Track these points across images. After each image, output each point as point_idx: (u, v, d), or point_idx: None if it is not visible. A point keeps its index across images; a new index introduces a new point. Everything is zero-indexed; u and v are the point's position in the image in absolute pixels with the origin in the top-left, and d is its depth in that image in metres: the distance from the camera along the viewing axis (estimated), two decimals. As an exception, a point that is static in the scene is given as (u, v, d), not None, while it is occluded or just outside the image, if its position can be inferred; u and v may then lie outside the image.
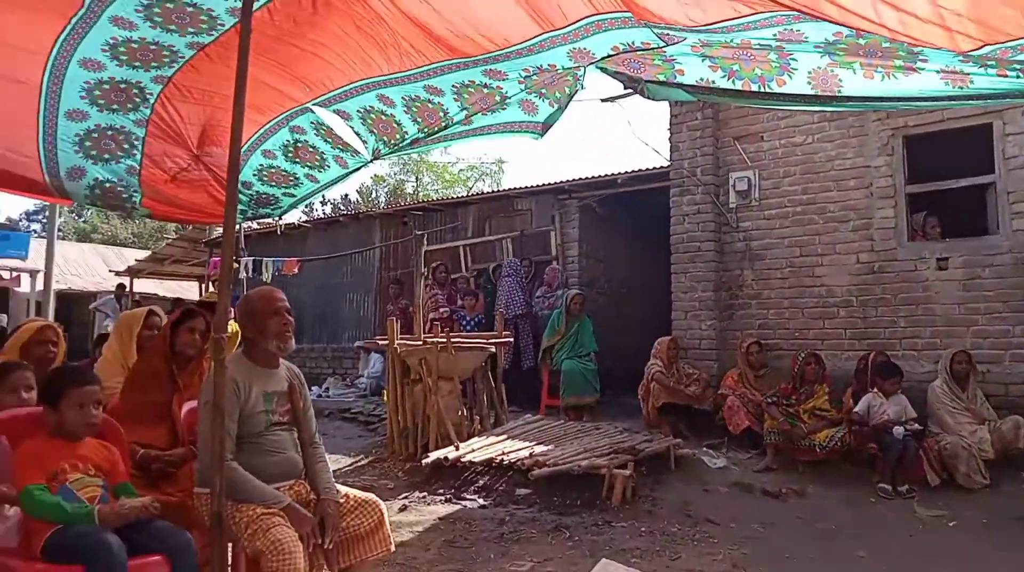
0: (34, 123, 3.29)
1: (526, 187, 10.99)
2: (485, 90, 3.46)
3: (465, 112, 3.55)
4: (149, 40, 2.95)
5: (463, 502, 5.13)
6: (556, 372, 8.33)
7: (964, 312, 6.51)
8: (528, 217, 10.75)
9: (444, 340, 6.78)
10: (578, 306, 8.49)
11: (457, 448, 5.87)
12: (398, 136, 3.69)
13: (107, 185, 3.77)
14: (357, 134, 3.71)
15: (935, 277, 6.67)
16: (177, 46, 3.02)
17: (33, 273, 16.09)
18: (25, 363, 3.31)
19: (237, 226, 3.19)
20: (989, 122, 6.50)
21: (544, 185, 10.60)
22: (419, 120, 3.60)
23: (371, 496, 2.96)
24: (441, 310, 9.17)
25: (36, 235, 18.43)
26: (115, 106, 3.31)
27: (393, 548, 2.91)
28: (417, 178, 33.35)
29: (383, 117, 3.58)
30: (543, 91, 3.61)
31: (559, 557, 4.00)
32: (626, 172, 9.81)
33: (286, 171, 3.95)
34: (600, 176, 10.04)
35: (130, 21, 2.82)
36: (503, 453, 5.61)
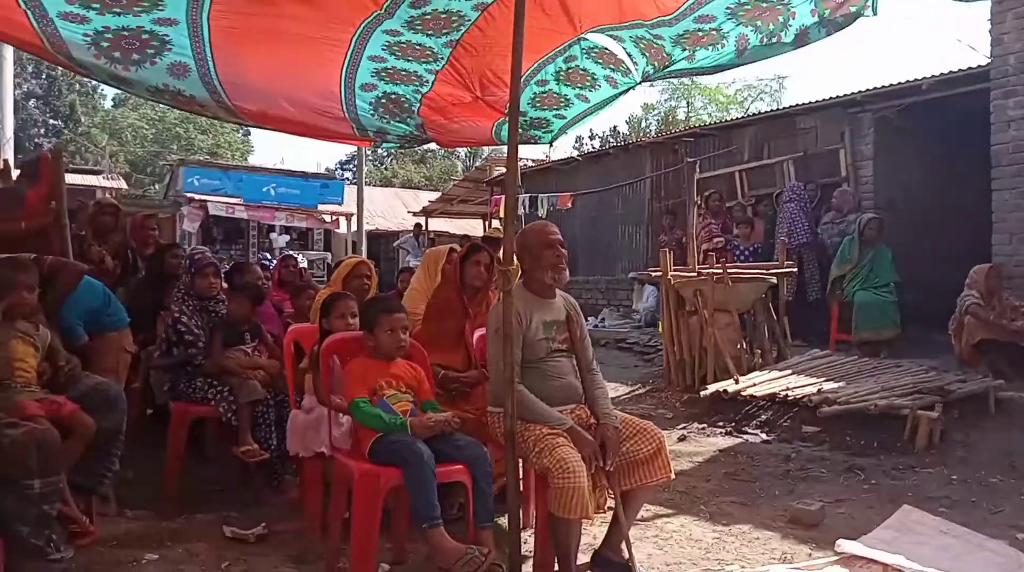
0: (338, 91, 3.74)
1: (810, 103, 10.03)
2: (764, 4, 3.19)
3: (741, 28, 3.30)
4: (441, 10, 3.18)
5: (744, 436, 5.01)
6: (848, 305, 7.65)
7: None
8: (812, 136, 9.85)
9: (719, 271, 6.56)
10: (874, 232, 7.66)
11: (737, 381, 5.71)
12: (668, 62, 3.57)
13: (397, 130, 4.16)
14: (629, 55, 3.65)
15: None
16: (464, 10, 3.21)
17: (348, 216, 18.43)
18: (349, 294, 3.82)
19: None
20: None
21: (832, 99, 9.59)
22: (688, 49, 3.44)
23: (649, 423, 2.99)
24: (715, 240, 8.85)
25: (348, 182, 20.98)
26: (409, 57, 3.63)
27: (673, 475, 2.93)
28: (688, 103, 32.17)
29: (654, 44, 3.48)
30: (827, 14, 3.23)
31: (852, 499, 3.75)
32: (932, 76, 8.51)
33: (557, 94, 4.02)
34: (899, 83, 8.82)
35: None
36: (788, 388, 5.34)
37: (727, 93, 30.23)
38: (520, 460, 2.90)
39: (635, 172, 12.45)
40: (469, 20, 3.29)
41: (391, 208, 21.97)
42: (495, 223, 11.87)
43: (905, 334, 7.68)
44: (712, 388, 5.69)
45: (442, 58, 3.62)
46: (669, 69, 3.69)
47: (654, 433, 2.92)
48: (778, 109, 11.13)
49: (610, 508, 2.92)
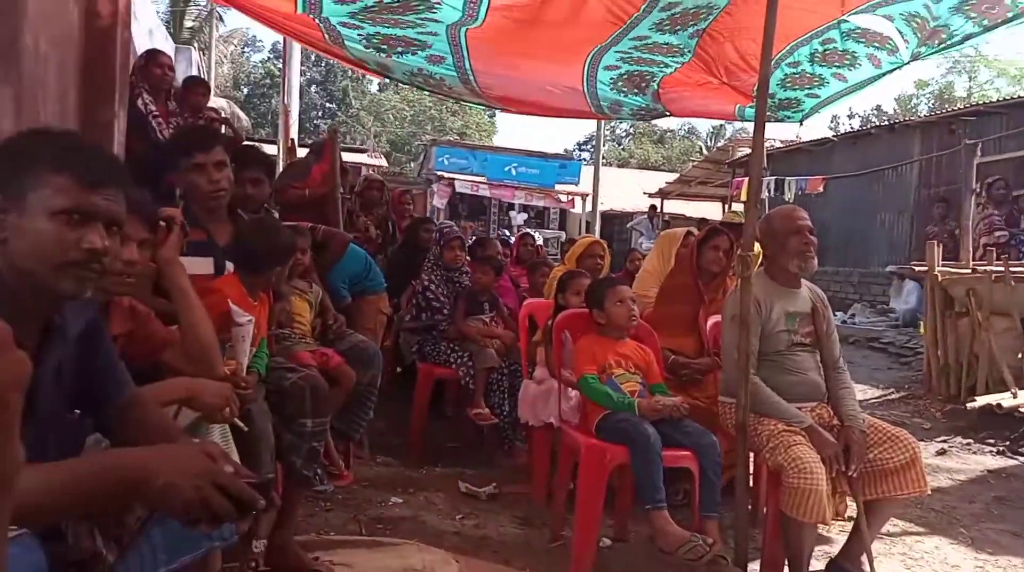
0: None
1: None
2: None
3: None
4: (690, 7, 3.16)
5: (1020, 458, 4.36)
6: None
7: None
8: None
9: (1000, 269, 5.73)
10: None
11: (1015, 395, 4.99)
12: (944, 36, 3.18)
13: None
14: (900, 32, 3.30)
15: None
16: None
17: (583, 196, 18.70)
18: (584, 272, 3.89)
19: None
20: None
21: None
22: (971, 17, 3.04)
23: (902, 431, 2.72)
24: (997, 234, 7.72)
25: (585, 163, 21.27)
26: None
27: (928, 491, 2.65)
28: (971, 77, 28.32)
29: (928, 22, 3.11)
30: None
31: None
32: None
33: (810, 74, 3.75)
34: None
35: None
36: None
37: (1021, 65, 26.12)
38: (751, 454, 2.78)
39: (900, 155, 11.26)
40: (718, 8, 3.22)
41: (626, 189, 21.93)
42: (735, 206, 11.40)
43: None
44: (983, 400, 5.02)
45: (688, 51, 3.62)
46: (944, 46, 3.30)
47: (908, 442, 2.65)
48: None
49: (850, 517, 2.71)
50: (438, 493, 3.38)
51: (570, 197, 19.38)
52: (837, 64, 3.64)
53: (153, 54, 4.65)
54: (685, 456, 2.74)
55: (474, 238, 6.49)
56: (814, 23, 3.32)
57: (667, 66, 3.80)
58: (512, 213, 19.45)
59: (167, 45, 8.41)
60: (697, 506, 2.70)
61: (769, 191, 11.02)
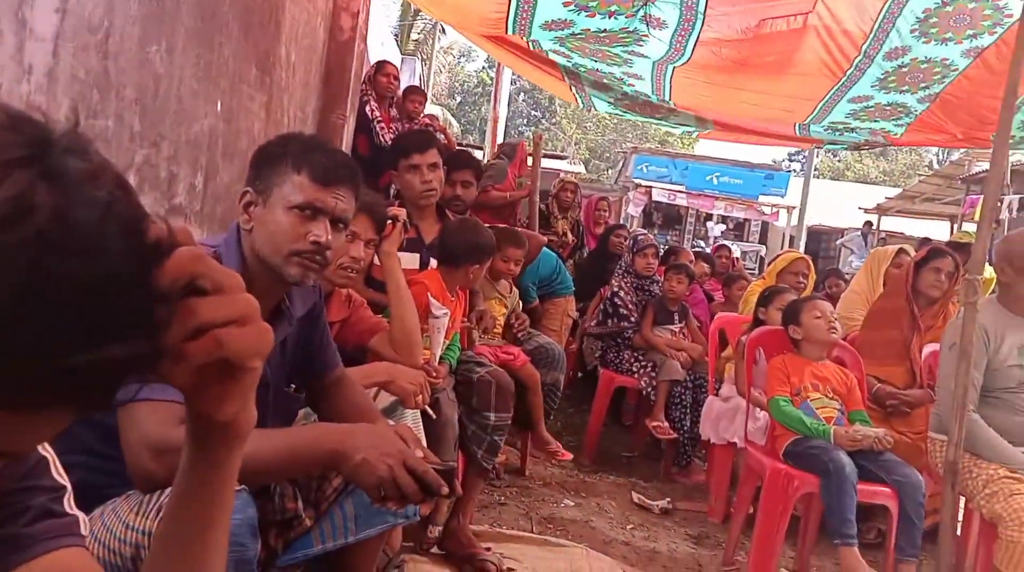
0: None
1: None
2: None
3: None
4: (921, 59, 3.01)
5: None
6: None
7: None
8: None
9: None
10: None
11: None
12: None
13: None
14: None
15: None
16: (951, 57, 2.95)
17: (789, 209, 17.72)
18: (789, 288, 3.71)
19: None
20: None
21: None
22: None
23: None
24: None
25: (795, 174, 20.16)
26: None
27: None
28: None
29: None
30: None
31: None
32: None
33: None
34: None
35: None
36: None
37: None
38: (963, 499, 2.52)
39: None
40: (956, 70, 2.99)
41: (838, 203, 20.50)
42: (965, 227, 10.25)
43: None
44: None
45: (915, 112, 3.48)
46: None
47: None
48: None
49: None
50: (610, 501, 3.38)
51: (774, 209, 18.46)
52: None
53: (382, 64, 5.09)
54: (884, 492, 2.54)
55: (667, 247, 6.40)
56: None
57: (890, 131, 3.69)
58: (709, 224, 18.90)
59: (395, 56, 9.10)
60: (893, 548, 2.49)
61: (1011, 211, 9.80)
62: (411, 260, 2.69)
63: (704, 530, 3.19)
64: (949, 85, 3.24)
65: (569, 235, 5.45)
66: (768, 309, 3.39)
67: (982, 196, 2.74)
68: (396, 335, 2.11)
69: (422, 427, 2.03)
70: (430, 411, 2.06)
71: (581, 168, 22.59)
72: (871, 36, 3.00)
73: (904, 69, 3.16)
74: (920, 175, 20.72)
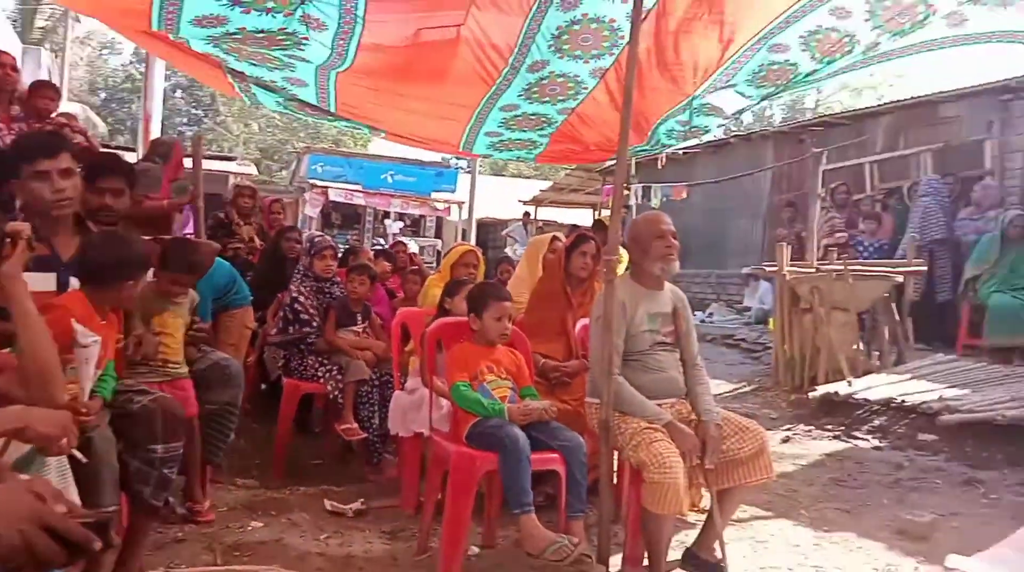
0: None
1: (955, 90, 9.30)
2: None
3: (878, 33, 3.23)
4: (558, 73, 3.41)
5: (853, 441, 4.78)
6: (980, 307, 7.12)
7: None
8: (956, 126, 9.17)
9: (840, 267, 6.26)
10: (1018, 230, 7.08)
11: (850, 384, 5.45)
12: (790, 78, 3.62)
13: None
14: (742, 94, 3.82)
15: None
16: (581, 75, 3.41)
17: (459, 204, 18.75)
18: (467, 279, 3.91)
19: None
20: None
21: (981, 85, 8.87)
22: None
23: (752, 422, 2.91)
24: (838, 235, 8.43)
25: (462, 171, 21.35)
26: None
27: (774, 476, 2.85)
28: (818, 90, 30.63)
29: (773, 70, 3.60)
30: None
31: (969, 513, 3.51)
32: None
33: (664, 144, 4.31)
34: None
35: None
36: (904, 393, 5.05)
37: (860, 79, 28.55)
38: (615, 452, 2.89)
39: (756, 163, 12.02)
40: (587, 88, 3.54)
41: (502, 197, 22.21)
42: (604, 213, 11.78)
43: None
44: (822, 389, 5.46)
45: (555, 123, 3.96)
46: (789, 86, 3.72)
47: (757, 432, 2.84)
48: (917, 96, 10.39)
49: (705, 506, 2.87)
50: (302, 513, 3.29)
51: (447, 205, 19.38)
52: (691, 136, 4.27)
53: (-9, 54, 4.32)
54: (553, 458, 2.80)
55: (347, 247, 6.39)
56: (674, 102, 3.80)
57: (536, 144, 4.11)
58: (388, 222, 19.23)
59: (12, 44, 7.78)
60: (563, 507, 2.78)
61: (637, 198, 11.47)
62: (45, 281, 2.33)
63: (398, 524, 3.24)
64: (582, 103, 3.66)
65: (256, 240, 5.18)
66: (454, 300, 3.55)
67: (614, 186, 3.17)
68: (27, 371, 1.82)
69: (70, 475, 1.78)
70: (79, 455, 1.80)
71: (252, 169, 21.43)
72: (516, 49, 3.28)
73: (545, 81, 3.50)
74: (565, 169, 23.25)
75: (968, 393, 5.00)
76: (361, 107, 3.94)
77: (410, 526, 3.19)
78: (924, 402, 4.82)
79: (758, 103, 4.01)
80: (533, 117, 3.86)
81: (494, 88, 3.55)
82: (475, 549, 2.99)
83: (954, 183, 8.42)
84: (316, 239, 4.57)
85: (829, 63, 3.45)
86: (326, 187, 18.07)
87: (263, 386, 4.68)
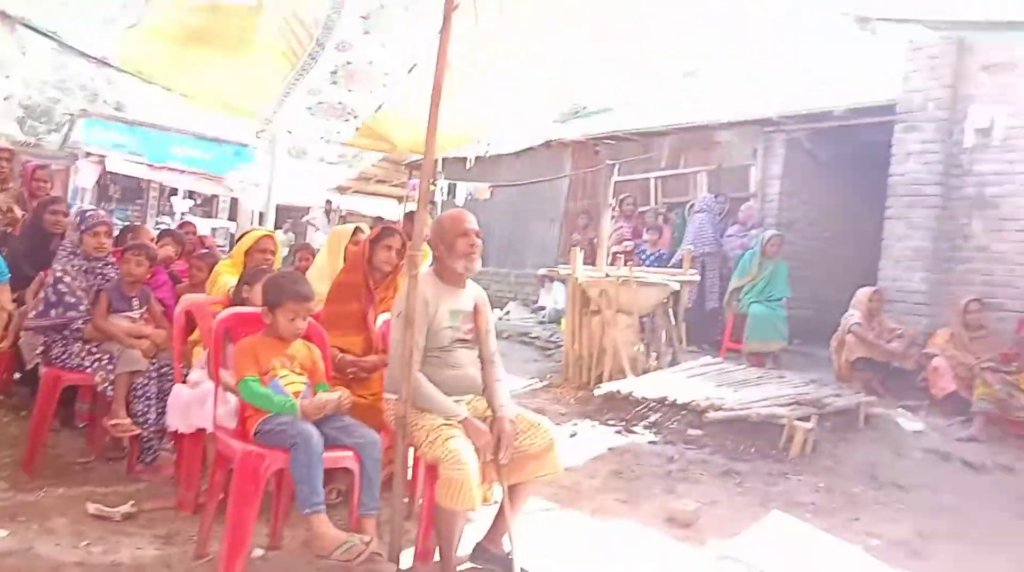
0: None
1: (728, 120, 10.32)
2: None
3: None
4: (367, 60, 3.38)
5: (632, 435, 5.15)
6: (742, 315, 7.99)
7: None
8: (727, 150, 10.19)
9: (626, 273, 6.72)
10: (775, 248, 8.02)
11: (630, 382, 5.87)
12: None
13: None
14: None
15: None
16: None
17: (257, 186, 17.78)
18: (266, 269, 3.69)
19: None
20: None
21: (748, 118, 9.91)
22: None
23: (543, 419, 3.02)
24: (624, 243, 9.06)
25: (261, 151, 20.29)
26: None
27: (561, 471, 2.98)
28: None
29: None
30: None
31: (726, 501, 3.92)
32: (845, 105, 8.90)
33: None
34: (814, 108, 9.19)
35: None
36: (677, 392, 5.53)
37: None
38: (411, 449, 2.88)
39: (556, 169, 12.56)
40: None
41: (303, 182, 21.39)
42: (410, 206, 11.74)
43: (791, 346, 8.10)
44: (606, 387, 5.83)
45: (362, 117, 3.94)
46: None
47: (547, 428, 2.95)
48: (696, 122, 11.42)
49: (496, 501, 2.95)
50: (60, 518, 2.95)
51: (243, 186, 18.29)
52: None
53: None
54: (347, 456, 2.74)
55: (124, 224, 5.80)
56: None
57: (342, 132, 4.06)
58: (175, 199, 17.77)
59: None
60: (356, 505, 2.72)
61: (443, 194, 11.54)
62: None
63: (174, 527, 3.01)
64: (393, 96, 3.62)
65: (16, 210, 4.53)
66: (253, 289, 3.33)
67: (420, 182, 3.15)
68: None
69: None
70: None
71: (13, 130, 18.87)
72: (323, 25, 3.14)
73: (352, 66, 3.39)
74: (373, 159, 22.89)
75: (731, 392, 5.57)
76: (153, 69, 3.60)
77: (187, 529, 2.96)
78: (693, 400, 5.30)
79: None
80: (339, 106, 3.75)
81: (300, 65, 3.39)
82: (260, 551, 2.84)
83: (724, 202, 9.35)
84: (88, 214, 4.09)
85: None
86: (104, 156, 16.36)
87: (18, 375, 4.13)
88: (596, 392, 5.84)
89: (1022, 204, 6.57)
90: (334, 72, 3.44)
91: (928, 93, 7.13)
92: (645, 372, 6.43)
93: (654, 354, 7.03)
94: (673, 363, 6.94)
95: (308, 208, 18.31)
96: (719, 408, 5.10)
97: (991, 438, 5.47)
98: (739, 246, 8.56)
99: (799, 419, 4.91)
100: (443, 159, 13.01)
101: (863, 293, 6.89)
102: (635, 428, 5.28)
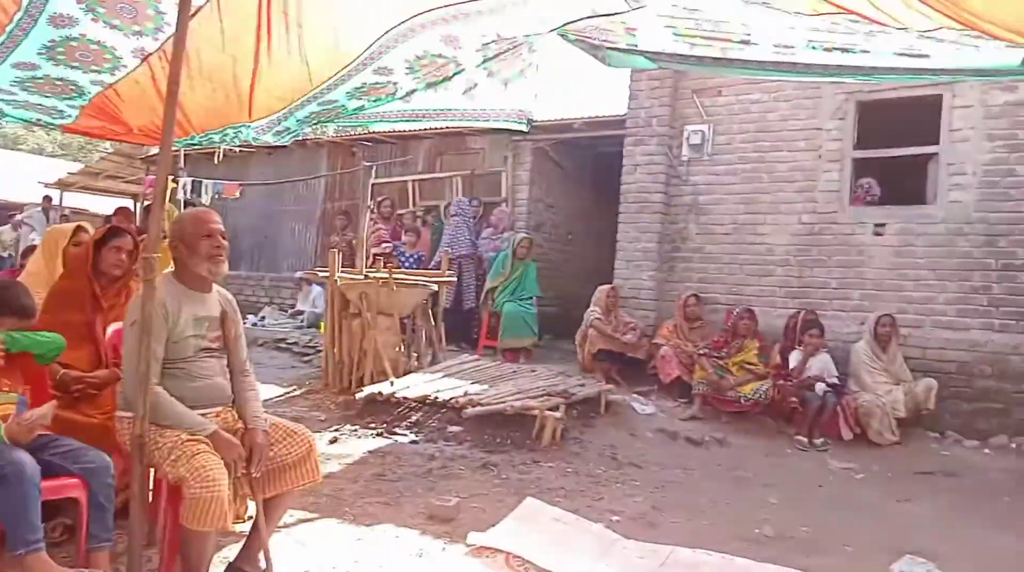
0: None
1: (479, 127, 10.74)
2: (440, 60, 3.56)
3: (416, 82, 3.74)
4: (91, 38, 3.07)
5: (394, 437, 5.16)
6: (496, 314, 8.36)
7: (894, 278, 6.74)
8: (481, 156, 10.58)
9: (386, 275, 6.71)
10: (525, 250, 8.49)
11: (392, 384, 5.88)
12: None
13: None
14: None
15: (871, 242, 6.88)
16: (120, 48, 3.16)
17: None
18: None
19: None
20: (940, 94, 6.61)
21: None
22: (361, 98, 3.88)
23: (300, 426, 2.92)
24: (383, 245, 9.05)
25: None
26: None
27: (320, 479, 2.90)
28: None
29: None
30: (494, 70, 3.82)
31: (485, 494, 4.07)
32: (583, 117, 9.69)
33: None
34: (556, 120, 9.88)
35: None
36: (437, 391, 5.64)
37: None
38: (151, 469, 2.64)
39: (311, 169, 12.18)
40: (126, 68, 3.26)
41: (16, 176, 18.67)
42: (147, 203, 10.70)
43: (542, 342, 8.64)
44: (367, 390, 5.78)
45: (88, 94, 3.50)
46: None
47: (304, 436, 2.86)
48: (451, 127, 11.68)
49: (250, 517, 2.79)
50: None
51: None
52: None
53: None
54: (71, 484, 2.44)
55: None
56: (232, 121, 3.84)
57: (64, 114, 3.67)
58: None
59: None
60: (84, 539, 2.44)
61: (186, 192, 10.69)
62: None
63: None
64: (122, 81, 3.29)
65: None
66: None
67: (156, 177, 2.88)
68: None
69: None
70: None
71: None
72: None
73: (74, 43, 3.04)
74: (101, 152, 20.61)
75: (487, 388, 5.79)
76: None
77: None
78: (452, 398, 5.44)
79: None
80: (60, 83, 3.32)
81: (4, 37, 2.95)
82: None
83: (479, 206, 9.72)
84: None
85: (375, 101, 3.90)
86: None
87: None
88: (358, 396, 5.77)
89: (728, 210, 7.61)
90: (49, 47, 3.04)
91: (651, 111, 8.00)
92: (407, 373, 6.47)
93: (415, 355, 7.11)
94: (433, 362, 7.07)
95: (22, 206, 16.01)
96: (477, 404, 5.29)
97: (708, 416, 6.27)
98: (493, 248, 8.94)
99: (549, 409, 5.25)
100: (184, 154, 12.07)
101: (602, 290, 7.54)
102: (397, 429, 5.29)
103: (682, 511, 4.09)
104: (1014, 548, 3.84)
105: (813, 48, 3.60)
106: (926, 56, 3.51)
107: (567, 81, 10.84)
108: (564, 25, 3.53)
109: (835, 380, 6.14)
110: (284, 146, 13.21)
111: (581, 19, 3.46)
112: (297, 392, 6.50)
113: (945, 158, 6.62)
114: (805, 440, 5.81)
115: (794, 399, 6.02)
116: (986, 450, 5.90)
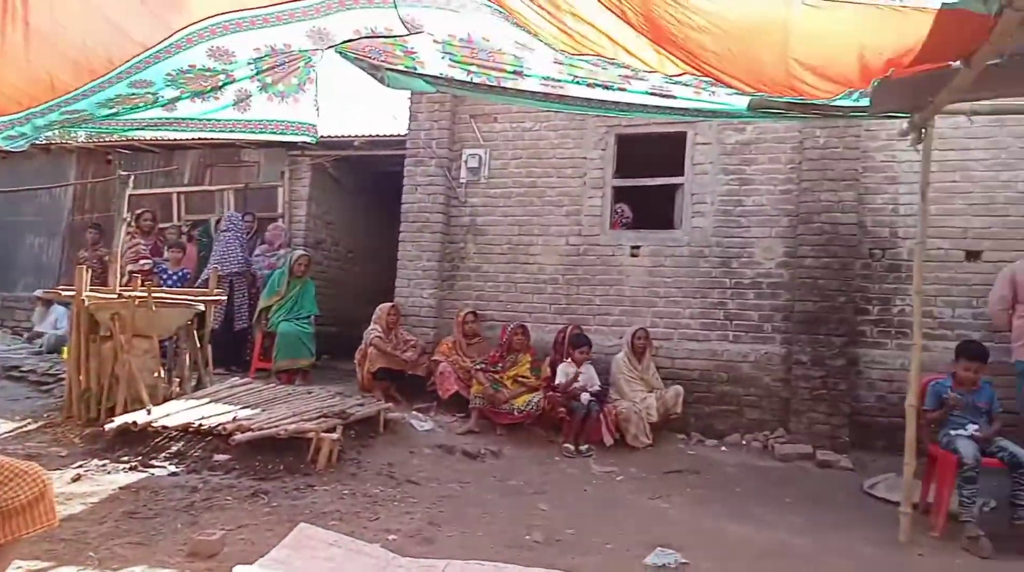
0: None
1: (252, 140, 10.28)
2: (208, 73, 3.43)
3: (179, 91, 3.58)
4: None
5: (150, 470, 4.72)
6: (271, 334, 8.01)
7: (647, 295, 7.42)
8: (255, 170, 10.13)
9: (144, 294, 6.16)
10: (303, 267, 8.23)
11: (149, 412, 5.39)
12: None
13: None
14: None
15: (628, 262, 7.52)
16: None
17: None
18: None
19: None
20: (684, 131, 7.42)
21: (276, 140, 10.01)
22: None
23: (32, 465, 2.59)
24: (142, 262, 8.32)
25: None
26: None
27: (57, 522, 2.59)
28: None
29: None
30: (268, 82, 3.77)
31: (254, 524, 3.86)
32: (364, 135, 9.64)
33: None
34: (336, 136, 9.74)
35: None
36: (202, 417, 5.27)
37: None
38: None
39: (58, 177, 10.92)
40: None
41: None
42: None
43: (320, 362, 8.41)
44: (119, 420, 5.25)
45: None
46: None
47: (37, 475, 2.54)
48: (222, 139, 11.03)
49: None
50: None
51: None
52: None
53: None
54: None
55: None
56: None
57: None
58: None
59: None
60: None
61: None
62: None
63: None
64: None
65: None
66: None
67: None
68: None
69: None
70: None
71: None
72: None
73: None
74: None
75: (259, 412, 5.50)
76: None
77: None
78: (220, 424, 5.10)
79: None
80: None
81: None
82: None
83: (252, 221, 9.28)
84: None
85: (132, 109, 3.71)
86: None
87: None
88: (107, 427, 5.21)
89: (503, 231, 7.94)
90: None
91: (431, 133, 8.16)
92: (166, 399, 5.97)
93: (177, 380, 6.59)
94: (199, 387, 6.60)
95: None
96: (247, 429, 5.01)
97: (484, 429, 6.46)
98: (267, 266, 8.57)
99: (326, 431, 5.10)
100: None
101: (382, 308, 7.51)
102: (154, 461, 4.85)
103: (457, 524, 4.16)
104: (747, 534, 4.37)
105: (578, 83, 3.93)
106: (672, 96, 3.98)
107: (346, 98, 10.74)
108: (343, 43, 3.52)
109: (598, 388, 6.61)
110: (24, 151, 11.74)
111: (360, 38, 3.48)
112: (32, 426, 5.73)
113: (689, 188, 7.43)
114: (572, 447, 6.18)
115: (562, 409, 6.39)
116: (723, 448, 6.66)
